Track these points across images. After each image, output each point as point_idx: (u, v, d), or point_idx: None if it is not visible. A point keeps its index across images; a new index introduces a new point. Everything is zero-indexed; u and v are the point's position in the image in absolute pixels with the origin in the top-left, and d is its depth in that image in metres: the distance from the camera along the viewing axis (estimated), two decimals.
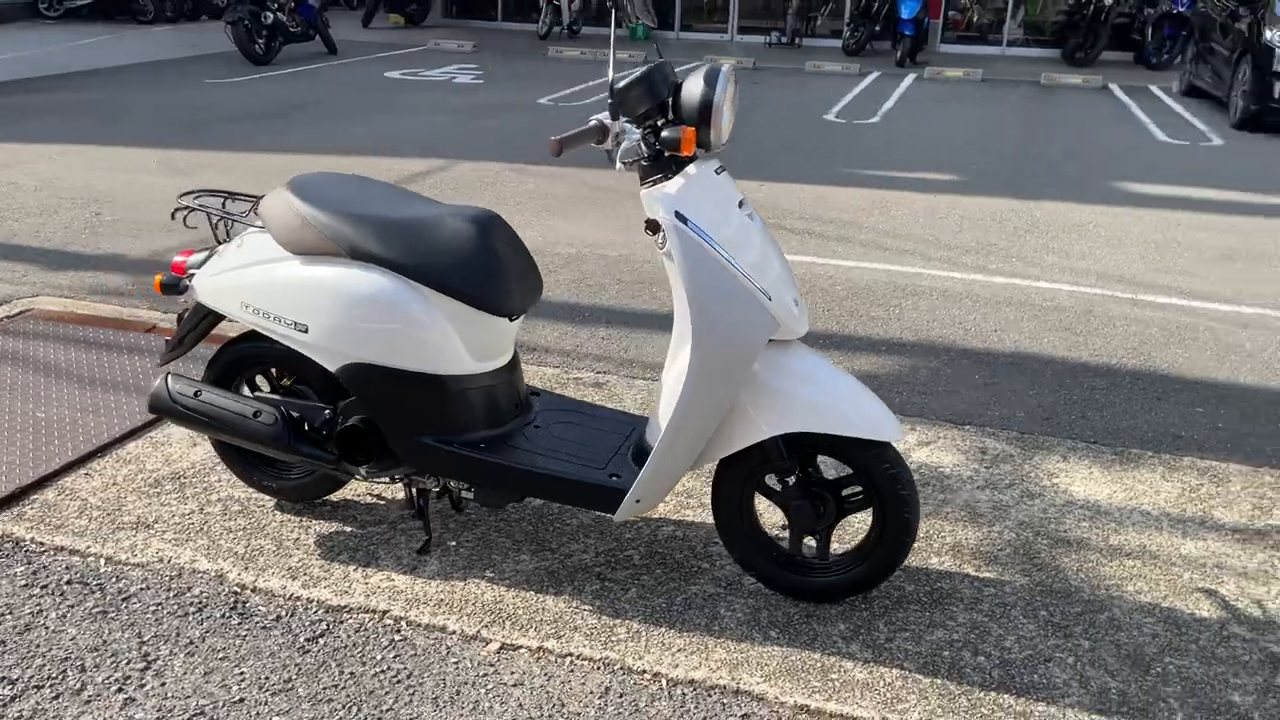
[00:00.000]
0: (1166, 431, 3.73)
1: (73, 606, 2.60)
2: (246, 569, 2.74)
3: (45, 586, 2.67)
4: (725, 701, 2.31)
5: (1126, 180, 7.87)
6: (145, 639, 2.48)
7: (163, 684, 2.33)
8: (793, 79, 13.60)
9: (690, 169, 2.36)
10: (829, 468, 2.98)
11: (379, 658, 2.44)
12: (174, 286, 2.84)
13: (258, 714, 2.26)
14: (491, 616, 2.58)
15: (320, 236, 2.58)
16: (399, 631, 2.53)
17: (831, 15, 18.11)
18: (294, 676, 2.37)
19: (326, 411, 2.76)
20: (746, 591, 2.69)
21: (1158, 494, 3.23)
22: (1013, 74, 14.22)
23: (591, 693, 2.34)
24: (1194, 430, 3.75)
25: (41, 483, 3.12)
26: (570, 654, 2.45)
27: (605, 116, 2.35)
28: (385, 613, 2.59)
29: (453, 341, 2.58)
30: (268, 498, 3.07)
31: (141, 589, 2.67)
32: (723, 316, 2.34)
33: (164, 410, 2.81)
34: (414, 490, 2.81)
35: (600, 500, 2.57)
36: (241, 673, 2.38)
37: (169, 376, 2.83)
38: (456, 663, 2.43)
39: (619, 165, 2.39)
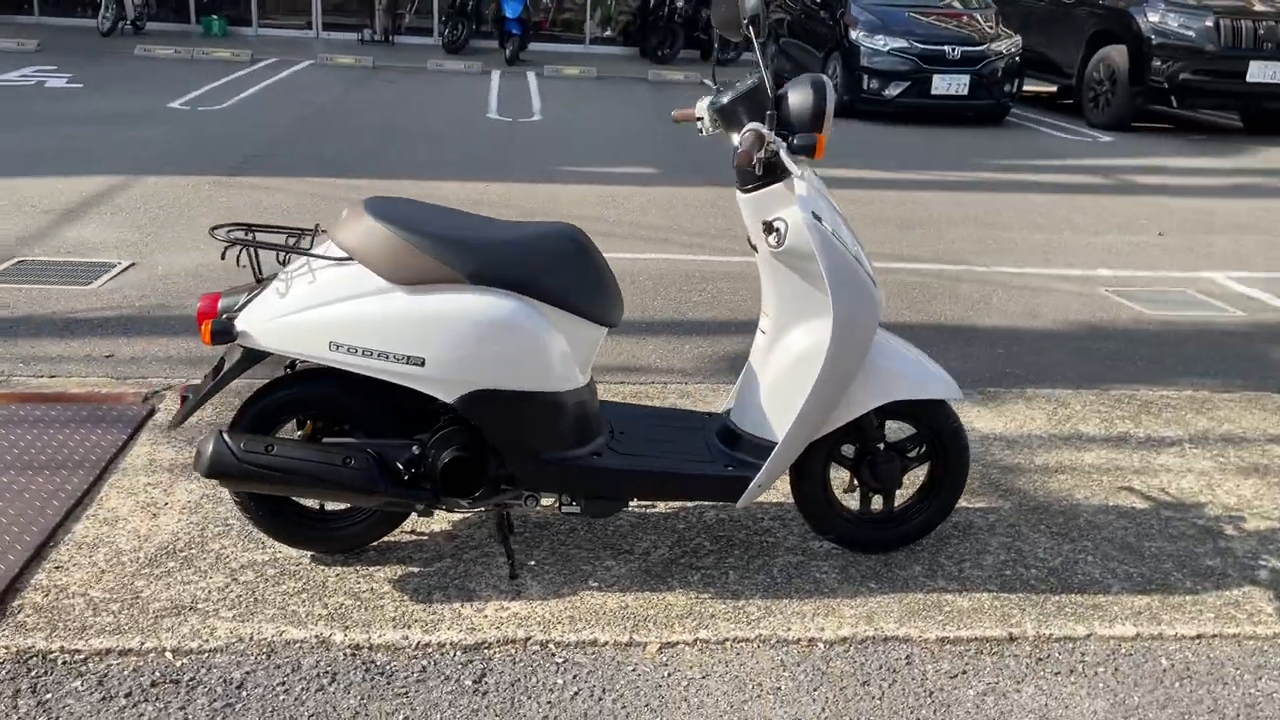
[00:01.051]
0: (997, 370, 4.52)
1: (184, 708, 2.29)
2: (347, 629, 2.56)
3: (129, 696, 2.32)
4: (882, 648, 2.60)
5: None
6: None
7: None
8: (423, 78, 13.60)
9: (803, 173, 2.59)
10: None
11: (560, 683, 2.44)
12: (226, 333, 2.54)
13: None
14: (629, 621, 2.65)
15: (434, 264, 2.47)
16: (553, 655, 2.53)
17: (419, 13, 18.18)
18: None
19: (415, 448, 2.64)
20: (823, 555, 2.98)
21: (1034, 421, 3.96)
22: (624, 72, 15.24)
23: (773, 668, 2.52)
24: (1012, 367, 4.57)
25: (10, 589, 2.63)
26: (726, 639, 2.61)
27: (761, 126, 2.50)
28: (527, 640, 2.56)
29: (568, 357, 2.60)
30: (296, 555, 2.84)
31: (248, 673, 2.41)
32: (854, 304, 2.61)
33: (228, 473, 2.52)
34: (506, 515, 2.77)
35: (723, 491, 2.73)
36: None
37: (225, 434, 2.54)
38: (634, 669, 2.49)
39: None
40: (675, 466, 2.72)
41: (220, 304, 2.58)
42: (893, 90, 11.17)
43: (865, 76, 11.21)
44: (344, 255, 2.53)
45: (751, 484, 2.71)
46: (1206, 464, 3.65)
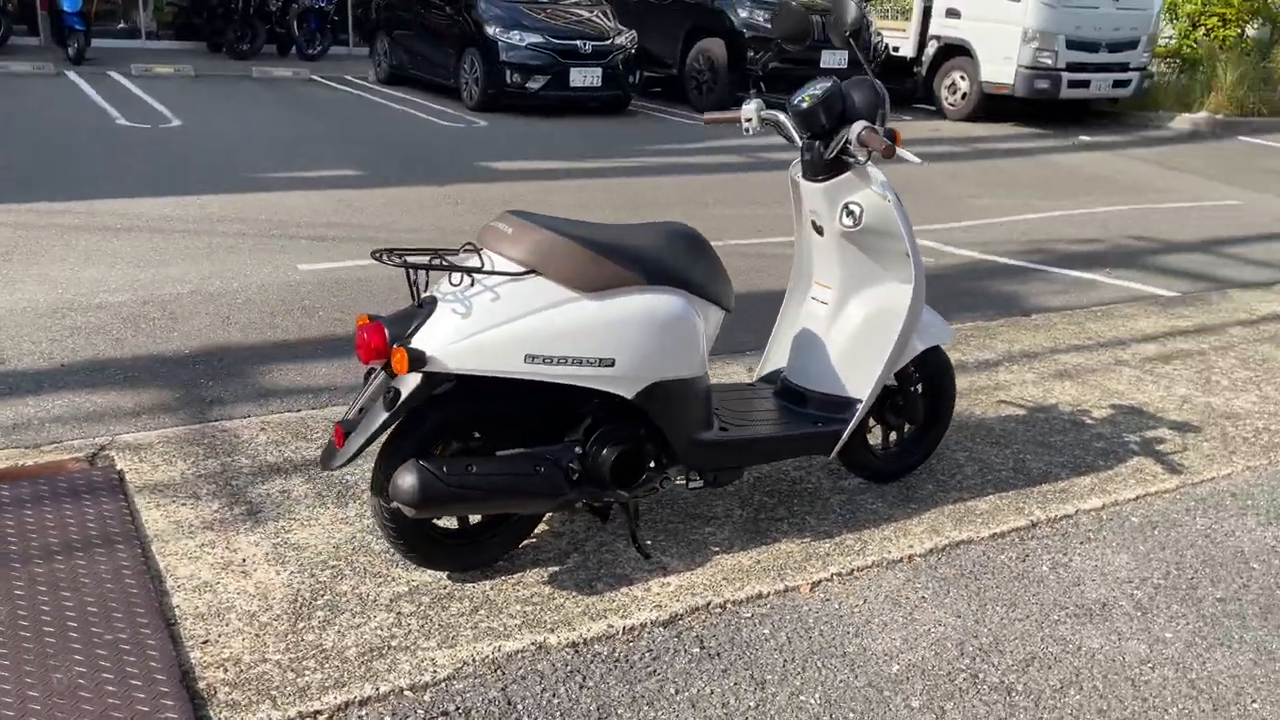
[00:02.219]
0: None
1: None
2: (552, 630, 2.64)
3: None
4: (958, 550, 3.17)
5: (426, 159, 9.19)
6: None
7: None
8: None
9: (869, 162, 3.03)
10: None
11: (766, 631, 2.72)
12: (421, 360, 2.46)
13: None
14: (770, 572, 2.97)
15: (616, 269, 2.60)
16: (737, 612, 2.80)
17: None
18: (752, 682, 2.56)
19: (577, 448, 2.75)
20: (857, 490, 3.47)
21: None
22: (222, 71, 14.29)
23: (904, 583, 2.98)
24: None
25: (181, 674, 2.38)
26: (852, 570, 3.02)
27: (871, 124, 2.89)
28: (709, 605, 2.80)
29: (707, 342, 2.86)
30: (431, 580, 2.81)
31: (504, 689, 2.43)
32: (920, 267, 3.11)
33: (438, 499, 2.49)
34: (636, 502, 2.95)
35: (820, 445, 3.13)
36: (713, 705, 2.49)
37: (422, 463, 2.49)
38: (807, 608, 2.84)
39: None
40: (781, 430, 3.08)
41: (389, 333, 2.51)
42: (534, 84, 11.69)
43: (508, 71, 11.61)
44: (522, 270, 2.58)
45: (844, 435, 3.14)
46: (1030, 375, 4.63)
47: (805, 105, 3.01)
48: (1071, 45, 13.21)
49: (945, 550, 3.15)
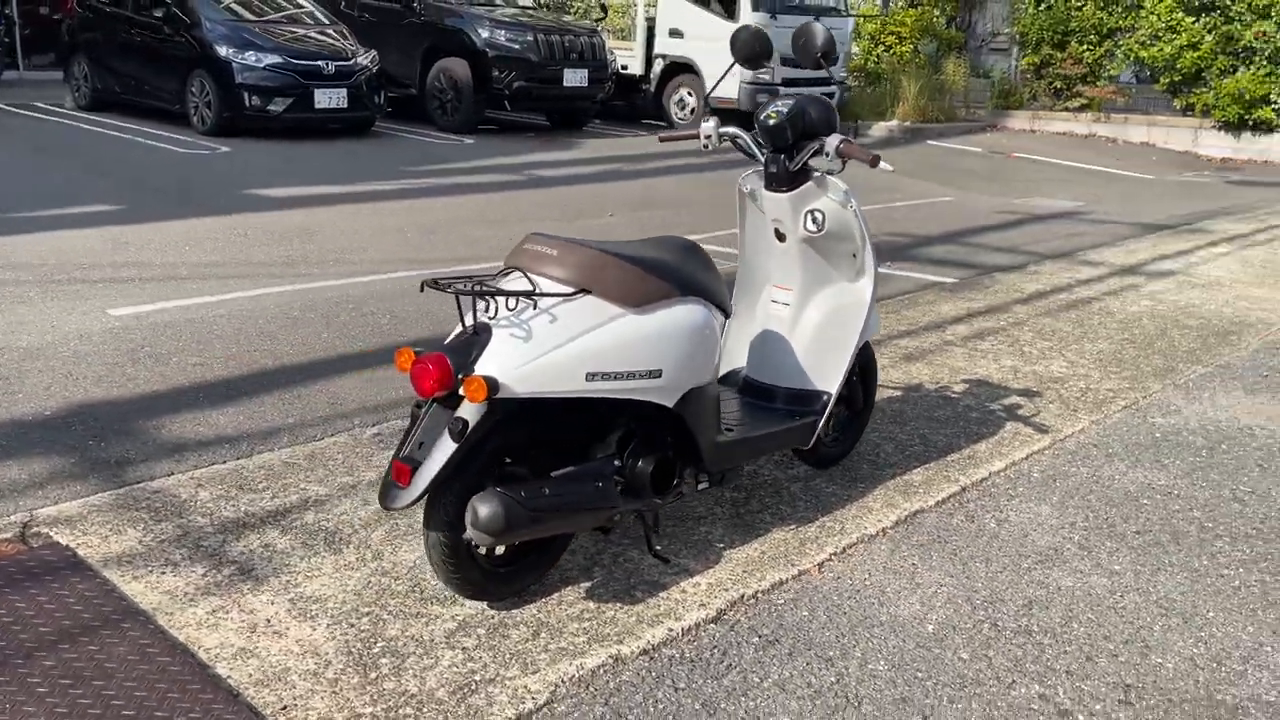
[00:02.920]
0: None
1: None
2: (619, 642, 2.68)
3: None
4: (914, 522, 3.48)
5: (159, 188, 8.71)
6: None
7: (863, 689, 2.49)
8: None
9: (826, 171, 3.28)
10: None
11: (805, 614, 2.89)
12: (495, 387, 2.41)
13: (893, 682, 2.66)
14: (780, 560, 3.14)
15: (658, 284, 2.68)
16: (769, 599, 2.95)
17: None
18: (820, 660, 2.73)
19: (616, 460, 2.79)
20: (805, 476, 3.72)
21: None
22: None
23: (898, 548, 3.26)
24: None
25: None
26: (847, 546, 3.25)
27: (846, 137, 3.11)
28: (742, 598, 2.93)
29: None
30: (474, 610, 2.77)
31: (608, 704, 2.46)
32: (876, 266, 3.39)
33: (519, 524, 2.46)
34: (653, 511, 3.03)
35: (802, 436, 3.33)
36: (800, 686, 2.64)
37: (500, 491, 2.46)
38: (826, 587, 3.04)
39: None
40: (770, 427, 3.26)
41: (451, 363, 2.45)
42: (276, 106, 11.16)
43: (246, 94, 11.01)
44: (573, 290, 2.59)
45: (820, 424, 3.36)
46: (885, 360, 5.09)
47: (773, 122, 3.22)
48: (785, 61, 14.30)
49: (907, 521, 3.46)
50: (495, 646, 2.61)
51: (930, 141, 15.33)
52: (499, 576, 2.76)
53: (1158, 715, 2.53)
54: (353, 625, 2.66)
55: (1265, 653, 2.80)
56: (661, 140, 3.73)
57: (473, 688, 2.45)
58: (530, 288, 2.57)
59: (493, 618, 2.74)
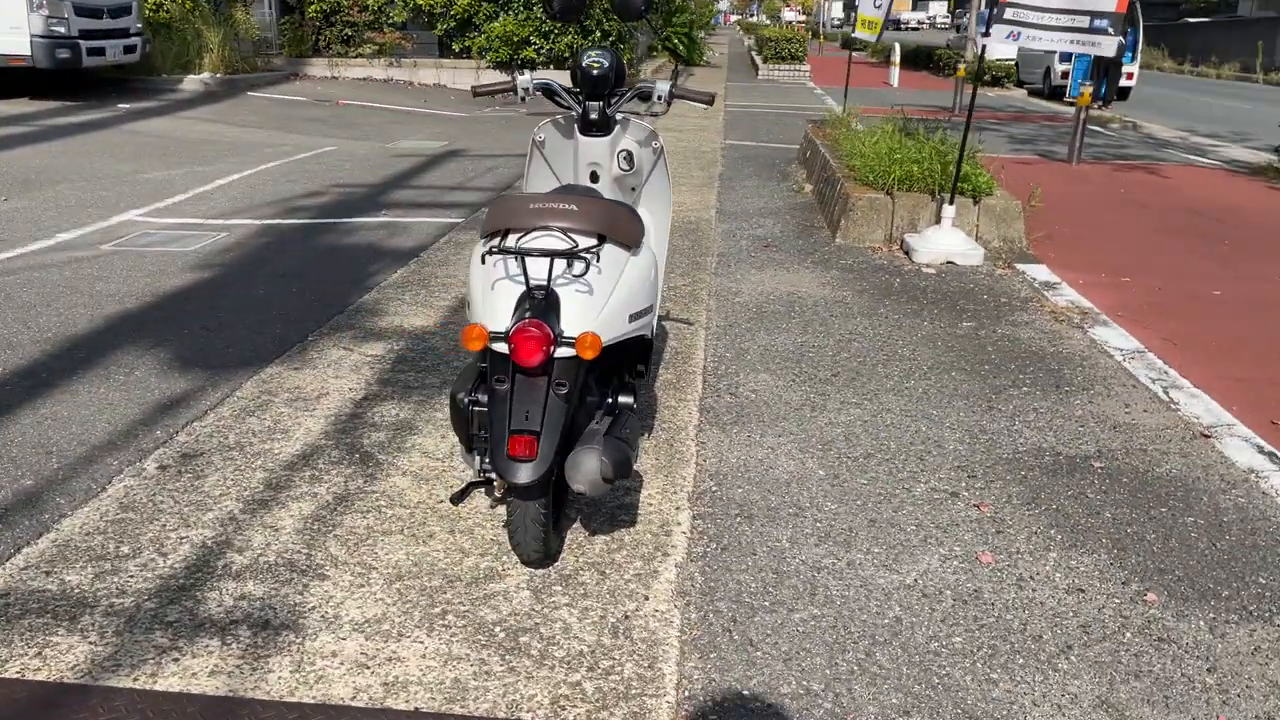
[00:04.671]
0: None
1: None
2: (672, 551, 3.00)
3: None
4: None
5: None
6: None
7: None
8: None
9: (651, 114, 3.67)
10: None
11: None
12: (602, 341, 2.51)
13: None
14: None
15: (641, 226, 2.92)
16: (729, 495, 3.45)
17: None
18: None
19: (609, 396, 3.02)
20: None
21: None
22: None
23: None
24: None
25: None
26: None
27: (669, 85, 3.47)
28: (702, 492, 3.39)
29: None
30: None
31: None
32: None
33: (626, 475, 2.64)
34: None
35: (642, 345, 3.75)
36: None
37: (614, 438, 2.60)
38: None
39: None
40: None
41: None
42: None
43: None
44: (596, 241, 2.74)
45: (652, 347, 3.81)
46: None
47: (597, 71, 3.49)
48: (80, 12, 12.83)
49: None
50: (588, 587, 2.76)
51: (251, 93, 15.01)
52: (559, 537, 2.86)
53: None
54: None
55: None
56: (477, 93, 3.70)
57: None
58: (570, 244, 2.68)
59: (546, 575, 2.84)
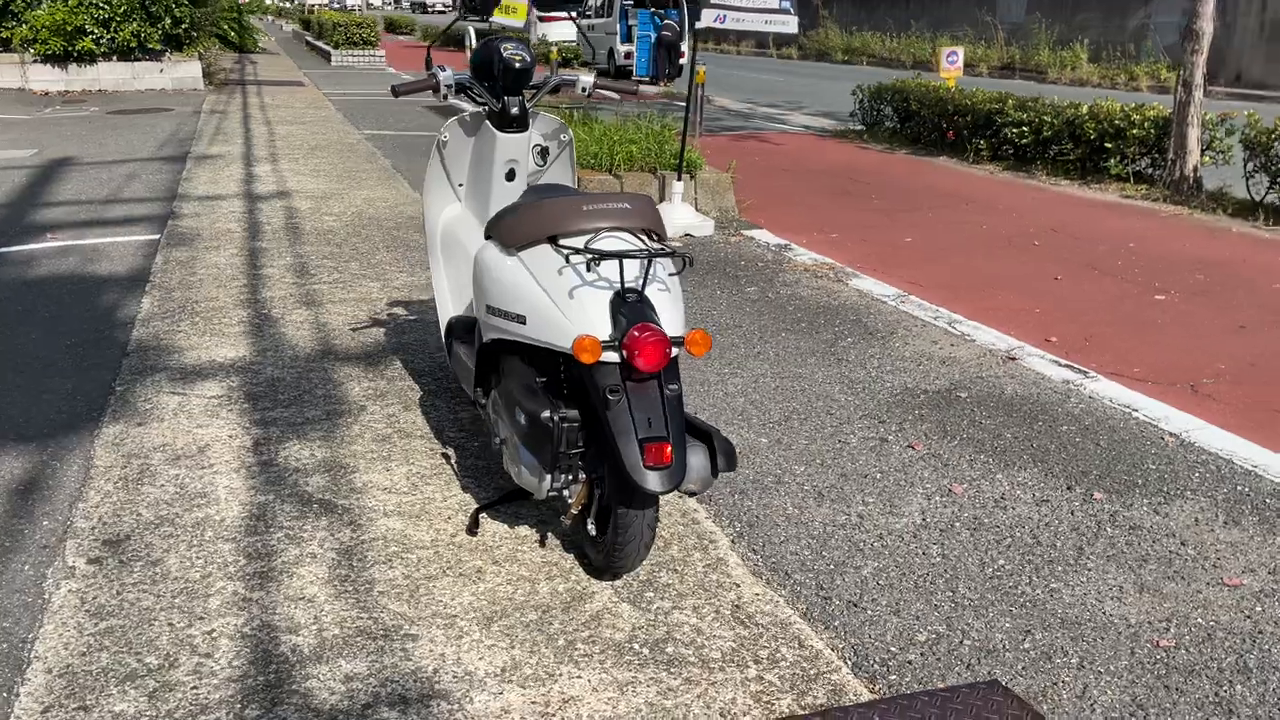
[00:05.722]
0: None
1: None
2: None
3: None
4: None
5: None
6: None
7: None
8: None
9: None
10: None
11: None
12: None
13: None
14: None
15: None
16: None
17: None
18: None
19: None
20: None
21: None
22: None
23: None
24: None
25: None
26: None
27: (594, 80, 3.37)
28: None
29: None
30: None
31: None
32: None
33: (734, 466, 2.65)
34: None
35: None
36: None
37: (709, 438, 2.61)
38: None
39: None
40: None
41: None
42: None
43: None
44: (649, 239, 2.69)
45: None
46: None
47: (519, 65, 3.34)
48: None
49: None
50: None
51: None
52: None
53: None
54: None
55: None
56: (399, 94, 3.31)
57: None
58: (640, 245, 2.62)
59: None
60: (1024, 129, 10.09)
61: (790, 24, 7.02)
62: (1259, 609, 2.74)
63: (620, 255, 2.49)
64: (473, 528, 2.97)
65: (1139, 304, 5.60)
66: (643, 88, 20.31)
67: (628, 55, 23.75)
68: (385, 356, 4.39)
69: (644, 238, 2.68)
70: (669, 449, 2.42)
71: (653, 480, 2.42)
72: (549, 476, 2.63)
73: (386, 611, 2.57)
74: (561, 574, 2.77)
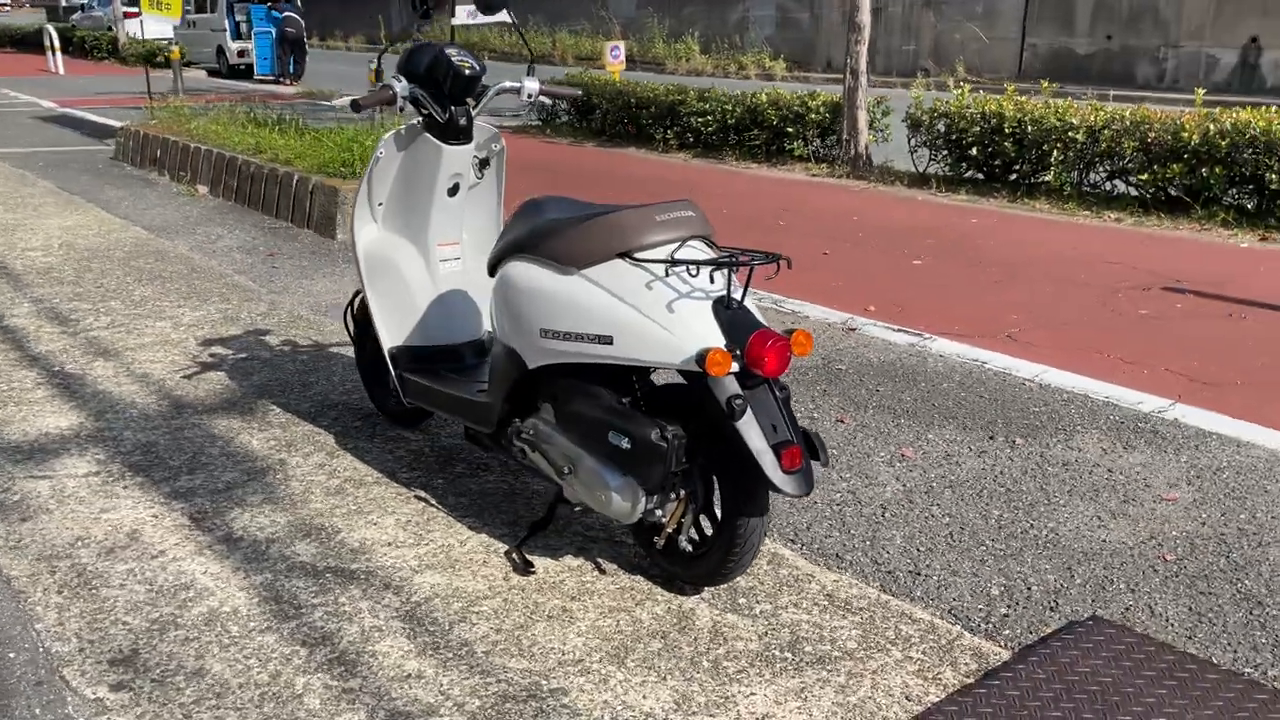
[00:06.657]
0: None
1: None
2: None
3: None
4: None
5: None
6: None
7: None
8: None
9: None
10: None
11: None
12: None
13: None
14: None
15: None
16: None
17: None
18: None
19: None
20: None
21: None
22: None
23: None
24: None
25: None
26: None
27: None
28: None
29: None
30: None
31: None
32: None
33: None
34: None
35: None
36: None
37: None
38: None
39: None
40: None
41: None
42: None
43: None
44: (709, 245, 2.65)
45: None
46: None
47: (468, 72, 3.09)
48: None
49: None
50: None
51: None
52: None
53: None
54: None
55: None
56: (362, 106, 2.86)
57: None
58: (717, 252, 2.57)
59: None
60: (709, 118, 10.75)
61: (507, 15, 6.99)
62: (1204, 515, 3.22)
63: (731, 264, 2.43)
64: (525, 567, 2.77)
65: (909, 270, 6.23)
66: (278, 88, 19.12)
67: (241, 53, 22.28)
68: (253, 402, 3.91)
69: (714, 243, 2.64)
70: (800, 452, 2.42)
71: (790, 485, 2.41)
72: (644, 497, 2.53)
73: (511, 670, 2.35)
74: (647, 596, 2.67)
